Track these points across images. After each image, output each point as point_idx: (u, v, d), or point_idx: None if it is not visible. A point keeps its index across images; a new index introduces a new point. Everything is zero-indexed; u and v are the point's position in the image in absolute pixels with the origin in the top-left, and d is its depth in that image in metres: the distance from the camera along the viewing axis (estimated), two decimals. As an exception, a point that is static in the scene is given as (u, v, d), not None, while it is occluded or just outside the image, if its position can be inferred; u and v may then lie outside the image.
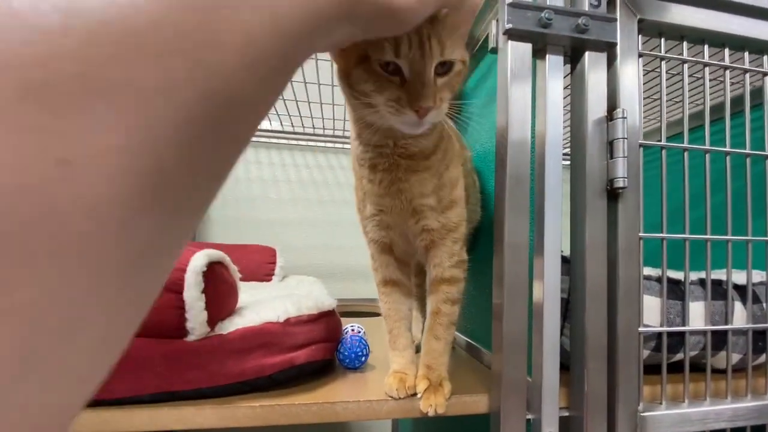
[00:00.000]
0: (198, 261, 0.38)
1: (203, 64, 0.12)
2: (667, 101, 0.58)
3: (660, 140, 0.44)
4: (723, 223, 0.46)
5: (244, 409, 0.38)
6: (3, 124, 0.09)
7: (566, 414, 0.42)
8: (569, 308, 0.44)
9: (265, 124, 1.10)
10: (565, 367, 0.42)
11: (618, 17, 0.42)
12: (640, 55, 0.43)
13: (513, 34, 0.40)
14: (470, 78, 0.65)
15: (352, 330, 0.54)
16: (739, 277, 0.49)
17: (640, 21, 0.43)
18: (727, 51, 0.47)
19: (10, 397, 0.10)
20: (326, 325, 0.47)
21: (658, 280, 0.46)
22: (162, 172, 0.12)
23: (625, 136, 0.40)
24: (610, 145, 0.41)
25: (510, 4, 0.39)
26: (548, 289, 0.41)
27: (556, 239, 0.41)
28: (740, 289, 0.49)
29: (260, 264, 0.89)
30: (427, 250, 0.45)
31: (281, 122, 1.10)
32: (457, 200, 0.45)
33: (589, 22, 0.40)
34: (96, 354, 0.12)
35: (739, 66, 0.47)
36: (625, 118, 0.41)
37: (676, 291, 0.48)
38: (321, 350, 0.46)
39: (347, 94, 0.36)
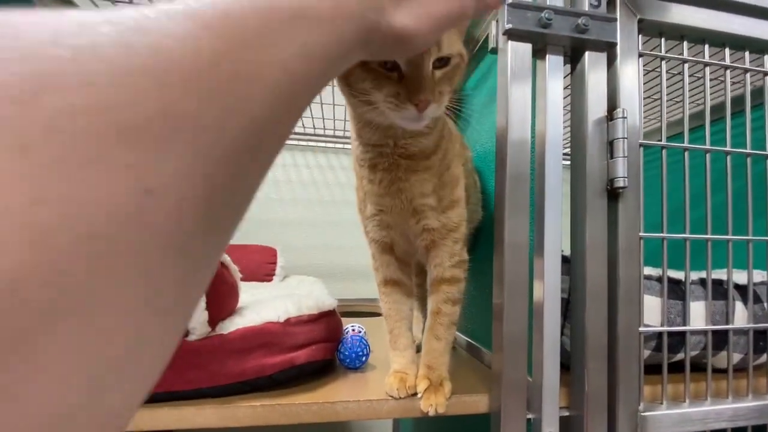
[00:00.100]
0: (198, 261, 0.38)
1: (250, 97, 0.13)
2: (667, 101, 0.58)
3: (660, 140, 0.44)
4: (723, 222, 0.46)
5: (244, 409, 0.39)
6: (105, 162, 0.10)
7: (566, 414, 0.42)
8: (569, 308, 0.44)
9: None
10: (565, 367, 0.42)
11: (618, 17, 0.42)
12: (641, 55, 0.43)
13: (513, 34, 0.40)
14: (470, 78, 0.65)
15: (353, 330, 0.54)
16: (739, 276, 0.49)
17: (640, 21, 0.43)
18: (727, 51, 0.47)
19: (102, 397, 0.11)
20: (327, 325, 0.47)
21: (659, 279, 0.46)
22: (214, 195, 0.13)
23: (625, 136, 0.40)
24: (611, 145, 0.41)
25: (510, 5, 0.39)
26: (548, 289, 0.41)
27: (557, 239, 0.41)
28: (741, 289, 0.49)
29: (261, 264, 0.89)
30: (428, 250, 0.45)
31: (282, 122, 1.09)
32: (458, 200, 0.45)
33: (589, 22, 0.40)
34: (157, 361, 0.13)
35: (739, 65, 0.47)
36: (625, 117, 0.41)
37: (676, 291, 0.48)
38: (321, 350, 0.46)
39: (346, 93, 0.36)
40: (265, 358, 0.41)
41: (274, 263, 0.91)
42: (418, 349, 0.47)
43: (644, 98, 0.45)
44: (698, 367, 0.46)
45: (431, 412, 0.40)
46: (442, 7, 0.24)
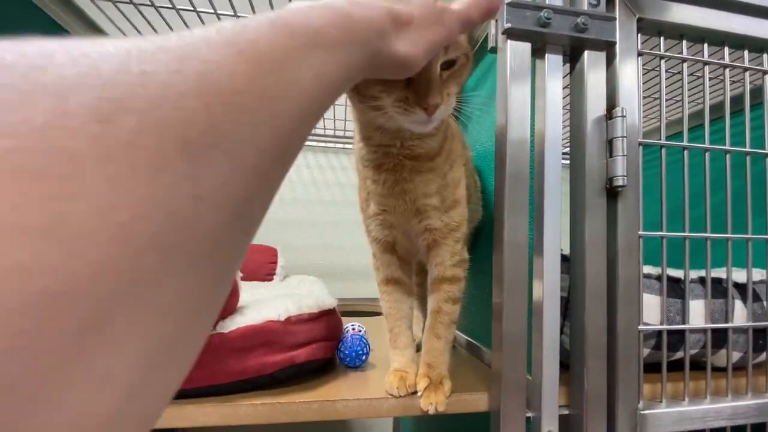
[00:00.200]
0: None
1: (275, 113, 0.15)
2: (666, 100, 0.58)
3: (660, 139, 0.44)
4: (723, 221, 0.46)
5: (245, 407, 0.39)
6: (168, 172, 0.12)
7: (566, 412, 0.42)
8: (569, 307, 0.44)
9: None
10: (565, 366, 0.42)
11: (617, 16, 0.42)
12: (640, 54, 0.43)
13: (512, 34, 0.40)
14: (470, 78, 0.65)
15: (353, 329, 0.54)
16: (739, 275, 0.49)
17: (639, 20, 0.43)
18: (726, 49, 0.47)
19: (152, 379, 0.13)
20: (327, 323, 0.47)
21: (658, 278, 0.46)
22: (246, 199, 0.15)
23: (625, 135, 0.41)
24: (610, 144, 0.42)
25: (509, 4, 0.39)
26: (548, 288, 0.41)
27: (556, 238, 0.41)
28: (740, 288, 0.49)
29: (261, 264, 0.89)
30: (429, 250, 0.45)
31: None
32: (460, 200, 0.45)
33: (588, 21, 0.40)
34: (193, 352, 0.15)
35: (739, 64, 0.47)
36: (625, 116, 0.41)
37: (676, 289, 0.48)
38: (322, 349, 0.46)
39: (355, 101, 0.37)
40: (265, 356, 0.41)
41: (275, 263, 0.92)
42: (418, 348, 0.48)
43: (643, 97, 0.45)
44: (698, 365, 0.46)
45: (431, 411, 0.40)
46: (435, 34, 0.27)
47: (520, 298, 0.40)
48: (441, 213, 0.43)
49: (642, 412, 0.41)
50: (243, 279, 0.78)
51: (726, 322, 0.47)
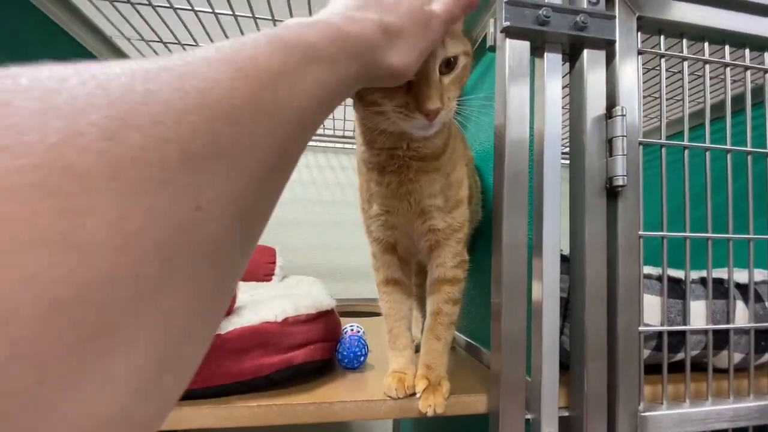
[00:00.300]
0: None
1: (272, 126, 0.16)
2: (667, 100, 0.57)
3: (660, 139, 0.44)
4: (724, 221, 0.46)
5: (241, 409, 0.38)
6: (172, 184, 0.12)
7: (566, 414, 0.42)
8: (569, 307, 0.44)
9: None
10: (564, 367, 0.42)
11: (617, 14, 0.42)
12: (640, 53, 0.43)
13: (511, 32, 0.40)
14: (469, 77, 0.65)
15: (352, 330, 0.54)
16: (740, 275, 0.48)
17: (639, 18, 0.43)
18: (727, 48, 0.47)
19: (157, 382, 0.13)
20: (325, 324, 0.47)
21: (659, 278, 0.46)
22: (246, 209, 0.15)
23: (625, 134, 0.40)
24: (610, 143, 0.41)
25: (508, 2, 0.39)
26: (547, 288, 0.40)
27: (555, 238, 0.41)
28: (742, 288, 0.49)
29: (260, 264, 0.89)
30: (431, 251, 0.45)
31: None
32: (463, 200, 0.45)
33: (588, 20, 0.40)
34: (200, 352, 0.16)
35: (739, 63, 0.47)
36: (624, 115, 0.40)
37: (676, 290, 0.47)
38: (319, 350, 0.46)
39: (358, 107, 0.37)
40: (262, 358, 0.41)
41: (273, 263, 0.91)
42: (417, 349, 0.47)
43: (644, 97, 0.45)
44: (699, 366, 0.46)
45: (430, 413, 0.40)
46: (424, 40, 0.28)
47: (519, 298, 0.40)
48: (444, 213, 0.43)
49: (642, 413, 0.41)
50: (241, 280, 0.78)
51: (727, 323, 0.46)
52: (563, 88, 0.42)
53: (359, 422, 1.15)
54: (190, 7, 0.61)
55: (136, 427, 0.13)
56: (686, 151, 0.45)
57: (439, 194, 0.42)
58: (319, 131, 1.13)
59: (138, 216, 0.11)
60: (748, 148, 0.47)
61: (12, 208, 0.09)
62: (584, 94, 0.42)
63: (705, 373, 0.45)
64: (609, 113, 0.42)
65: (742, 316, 0.48)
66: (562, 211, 0.41)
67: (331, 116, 1.02)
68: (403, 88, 0.33)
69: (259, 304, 0.45)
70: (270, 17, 0.63)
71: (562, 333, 0.43)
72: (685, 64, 0.46)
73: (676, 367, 0.45)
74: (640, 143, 0.42)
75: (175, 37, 0.68)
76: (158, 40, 0.70)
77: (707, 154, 0.46)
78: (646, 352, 0.46)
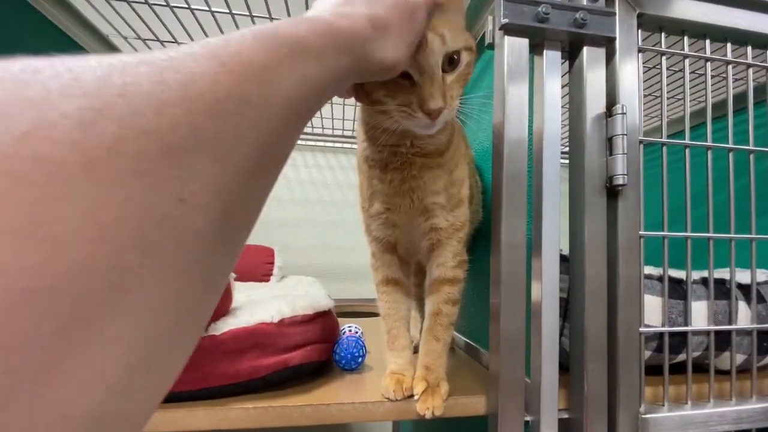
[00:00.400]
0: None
1: (258, 120, 0.16)
2: (668, 98, 0.57)
3: (661, 138, 0.43)
4: (725, 221, 0.45)
5: (236, 411, 0.38)
6: (151, 175, 0.12)
7: (566, 416, 0.41)
8: (569, 308, 0.43)
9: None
10: (564, 368, 0.41)
11: (617, 11, 0.41)
12: (640, 50, 0.42)
13: (509, 30, 0.39)
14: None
15: (350, 331, 0.53)
16: (742, 276, 0.48)
17: (639, 15, 0.42)
18: (729, 46, 0.46)
19: (138, 379, 0.13)
20: (322, 325, 0.47)
21: (660, 279, 0.45)
22: (231, 203, 0.15)
23: (625, 133, 0.40)
24: (610, 142, 0.41)
25: (506, -1, 0.38)
26: (547, 289, 0.40)
27: (555, 237, 0.40)
28: (744, 288, 0.48)
29: (258, 264, 0.89)
30: (432, 250, 0.44)
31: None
32: (464, 199, 0.45)
33: (588, 17, 0.39)
34: (184, 351, 0.15)
35: (742, 61, 0.46)
36: (625, 114, 0.40)
37: (678, 290, 0.47)
38: (316, 351, 0.45)
39: (363, 103, 0.37)
40: (258, 359, 0.41)
41: (272, 263, 0.91)
42: (415, 350, 0.47)
43: (644, 96, 0.44)
44: (700, 368, 0.46)
45: (428, 415, 0.39)
46: (411, 32, 0.28)
47: (518, 298, 0.39)
48: (447, 212, 0.43)
49: (643, 416, 0.40)
50: (239, 280, 0.78)
51: (729, 323, 0.46)
52: (563, 86, 0.42)
53: (358, 424, 1.14)
54: (186, 6, 0.61)
55: (115, 427, 0.12)
56: (687, 150, 0.45)
57: (443, 192, 0.42)
58: (319, 131, 1.12)
59: (113, 206, 0.11)
60: (750, 147, 0.46)
61: None
62: (584, 92, 0.41)
63: (707, 374, 0.44)
64: (609, 111, 0.41)
65: (744, 316, 0.47)
66: (562, 210, 0.41)
67: (330, 116, 1.02)
68: (406, 87, 0.33)
69: (256, 305, 0.44)
70: (267, 15, 0.62)
71: (561, 334, 0.42)
72: (686, 61, 0.45)
73: (678, 369, 0.44)
74: (641, 142, 0.41)
75: (172, 36, 0.68)
76: (155, 38, 0.69)
77: (709, 153, 0.45)
78: (647, 353, 0.45)
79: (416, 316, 0.58)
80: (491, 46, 0.42)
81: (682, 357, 0.46)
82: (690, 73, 0.46)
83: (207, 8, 0.61)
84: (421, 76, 0.32)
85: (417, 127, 0.35)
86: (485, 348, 0.55)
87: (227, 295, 0.43)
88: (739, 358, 0.47)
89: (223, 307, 0.43)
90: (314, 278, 0.89)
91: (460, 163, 0.44)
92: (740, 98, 0.49)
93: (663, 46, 0.44)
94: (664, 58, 0.44)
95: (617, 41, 0.41)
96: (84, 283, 0.11)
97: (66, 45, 0.66)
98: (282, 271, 0.93)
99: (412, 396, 0.41)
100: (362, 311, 0.92)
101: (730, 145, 0.46)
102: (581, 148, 0.41)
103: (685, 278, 0.45)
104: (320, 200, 1.18)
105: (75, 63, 0.12)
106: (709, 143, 0.45)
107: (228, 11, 0.62)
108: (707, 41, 0.45)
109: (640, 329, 0.41)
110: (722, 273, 0.48)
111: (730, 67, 0.46)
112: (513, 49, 0.40)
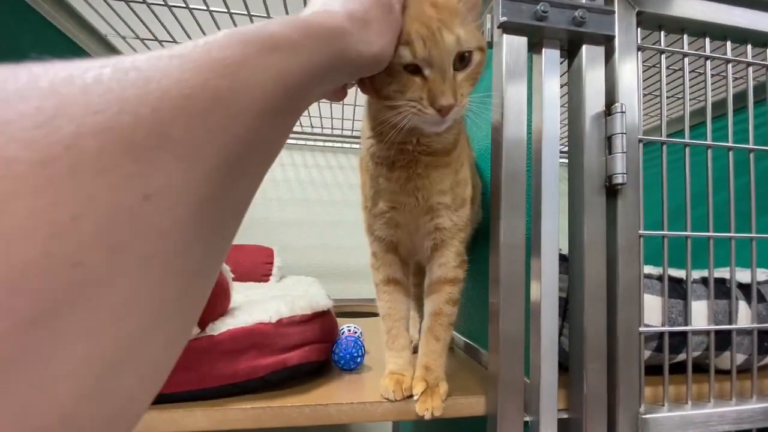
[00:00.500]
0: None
1: (230, 116, 0.16)
2: (667, 97, 0.57)
3: (661, 137, 0.43)
4: (726, 220, 0.45)
5: (235, 411, 0.38)
6: (112, 172, 0.12)
7: (565, 416, 0.41)
8: (568, 308, 0.43)
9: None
10: (564, 368, 0.41)
11: (616, 9, 0.41)
12: (639, 49, 0.42)
13: (508, 28, 0.39)
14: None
15: (349, 331, 0.53)
16: (742, 275, 0.48)
17: (638, 13, 0.42)
18: (729, 44, 0.46)
19: (108, 382, 0.12)
20: (320, 325, 0.47)
21: (659, 278, 0.45)
22: (206, 201, 0.15)
23: (624, 131, 0.39)
24: (609, 141, 0.41)
25: (505, -3, 0.38)
26: (546, 288, 0.40)
27: (554, 237, 0.40)
28: (744, 288, 0.48)
29: (257, 264, 0.89)
30: (435, 250, 0.44)
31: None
32: (467, 199, 0.44)
33: (586, 15, 0.39)
34: (165, 353, 0.15)
35: (741, 59, 0.46)
36: (624, 112, 0.40)
37: (677, 290, 0.47)
38: (315, 351, 0.45)
39: (372, 99, 0.37)
40: (256, 359, 0.40)
41: (271, 263, 0.91)
42: (414, 350, 0.46)
43: (644, 95, 0.44)
44: (701, 368, 0.45)
45: (427, 416, 0.39)
46: (391, 24, 0.29)
47: (517, 298, 0.39)
48: (451, 212, 0.43)
49: (643, 416, 0.40)
50: (238, 280, 0.78)
51: (729, 323, 0.45)
52: (562, 85, 0.41)
53: (357, 424, 1.14)
54: (184, 5, 0.60)
55: (91, 430, 0.12)
56: (687, 149, 0.44)
57: (449, 191, 0.42)
58: (319, 131, 1.12)
59: (71, 203, 0.11)
60: (750, 146, 0.46)
61: None
62: (583, 90, 0.41)
63: (707, 374, 0.44)
64: (608, 110, 0.41)
65: (744, 316, 0.47)
66: (561, 210, 0.41)
67: (330, 116, 1.02)
68: (416, 83, 0.33)
69: (254, 305, 0.44)
70: (266, 14, 0.62)
71: (561, 334, 0.42)
72: (686, 60, 0.45)
73: (678, 369, 0.44)
74: (640, 141, 0.41)
75: (171, 36, 0.68)
76: (154, 38, 0.69)
77: (709, 151, 0.45)
78: (647, 353, 0.45)
79: (415, 316, 0.58)
80: (489, 45, 0.42)
81: (682, 357, 0.46)
82: (690, 71, 0.46)
83: (205, 8, 0.61)
84: (433, 73, 0.33)
85: (426, 124, 0.35)
86: (484, 348, 0.55)
87: (225, 295, 0.43)
88: (740, 358, 0.47)
89: (221, 307, 0.42)
90: (314, 278, 0.89)
91: (465, 162, 0.44)
92: (740, 97, 0.49)
93: (662, 44, 0.44)
94: (663, 56, 0.44)
95: (616, 40, 0.41)
96: (42, 280, 0.10)
97: (64, 45, 0.66)
98: (281, 271, 0.93)
99: (411, 396, 0.41)
100: (361, 311, 0.91)
101: (730, 144, 0.45)
102: (580, 147, 0.41)
103: (685, 278, 0.45)
104: (320, 200, 1.18)
105: (38, 68, 0.12)
106: (708, 142, 0.45)
107: (226, 10, 0.62)
108: (707, 39, 0.45)
109: (640, 329, 0.40)
110: (722, 272, 0.48)
111: (729, 65, 0.46)
112: (511, 47, 0.40)
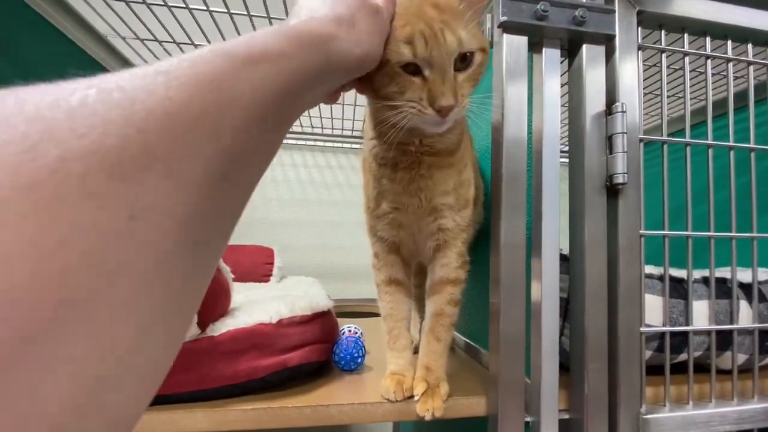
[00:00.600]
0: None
1: (216, 131, 0.16)
2: (668, 96, 0.56)
3: (661, 136, 0.43)
4: (727, 219, 0.45)
5: (235, 412, 0.38)
6: (98, 195, 0.12)
7: (566, 416, 0.41)
8: (569, 308, 0.43)
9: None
10: (564, 368, 0.41)
11: (616, 9, 0.41)
12: (640, 48, 0.42)
13: (508, 27, 0.39)
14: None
15: (349, 331, 0.53)
16: (744, 275, 0.47)
17: (639, 12, 0.42)
18: (730, 43, 0.46)
19: (97, 398, 0.13)
20: (321, 326, 0.46)
21: (660, 278, 0.45)
22: (195, 216, 0.15)
23: (625, 131, 0.39)
24: (609, 140, 0.40)
25: (505, -4, 0.38)
26: (546, 288, 0.40)
27: (555, 237, 0.40)
28: (745, 288, 0.48)
29: (257, 264, 0.89)
30: (437, 250, 0.44)
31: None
32: (470, 200, 0.44)
33: (587, 14, 0.39)
34: (157, 364, 0.15)
35: (742, 58, 0.46)
36: (625, 112, 0.40)
37: (678, 289, 0.46)
38: (315, 352, 0.45)
39: (371, 99, 0.37)
40: (257, 360, 0.40)
41: (271, 264, 0.91)
42: (415, 351, 0.46)
43: (644, 94, 0.44)
44: (702, 368, 0.45)
45: (428, 417, 0.39)
46: (378, 24, 0.29)
47: (518, 298, 0.39)
48: (455, 213, 0.43)
49: (644, 416, 0.40)
50: (238, 280, 0.78)
51: (731, 323, 0.45)
52: (562, 84, 0.41)
53: (358, 424, 1.14)
54: (184, 5, 0.60)
55: None
56: (688, 149, 0.44)
57: (452, 192, 0.42)
58: (319, 131, 1.12)
59: (58, 227, 0.11)
60: (751, 145, 0.46)
61: None
62: (583, 90, 0.41)
63: (708, 374, 0.44)
64: (609, 110, 0.41)
65: (745, 316, 0.47)
66: (562, 210, 0.41)
67: (330, 116, 1.02)
68: (416, 83, 0.33)
69: (254, 306, 0.44)
70: (265, 15, 0.62)
71: (561, 334, 0.42)
72: (687, 59, 0.45)
73: (679, 369, 0.44)
74: (641, 140, 0.41)
75: (170, 36, 0.68)
76: (153, 38, 0.69)
77: (709, 151, 0.45)
78: (648, 353, 0.45)
79: (415, 316, 0.58)
80: (490, 45, 0.42)
81: (683, 357, 0.45)
82: (690, 71, 0.46)
83: (205, 8, 0.61)
84: (433, 74, 0.32)
85: (426, 124, 0.35)
86: (485, 348, 0.55)
87: (225, 296, 0.43)
88: (741, 358, 0.46)
89: (222, 308, 0.42)
90: (314, 278, 0.89)
91: (468, 163, 0.44)
92: (741, 96, 0.49)
93: (663, 43, 0.44)
94: (664, 55, 0.44)
95: (617, 39, 0.41)
96: (30, 302, 0.11)
97: (64, 45, 0.66)
98: (282, 271, 0.93)
99: (412, 397, 0.41)
100: (362, 311, 0.91)
101: (731, 143, 0.45)
102: (581, 147, 0.41)
103: (686, 277, 0.45)
104: (320, 200, 1.18)
105: (24, 92, 0.12)
106: (709, 141, 0.45)
107: (226, 11, 0.62)
108: (707, 39, 0.45)
109: (641, 329, 0.40)
110: (723, 272, 0.48)
111: (730, 64, 0.46)
112: (512, 47, 0.40)
